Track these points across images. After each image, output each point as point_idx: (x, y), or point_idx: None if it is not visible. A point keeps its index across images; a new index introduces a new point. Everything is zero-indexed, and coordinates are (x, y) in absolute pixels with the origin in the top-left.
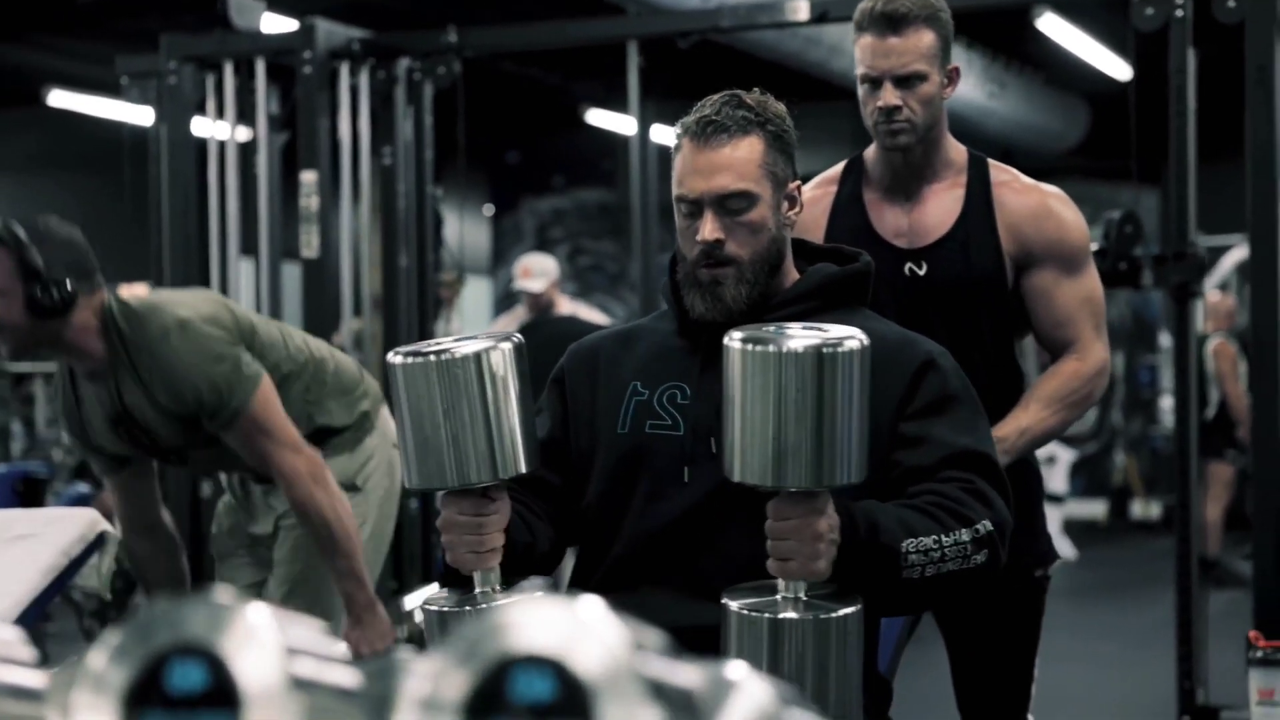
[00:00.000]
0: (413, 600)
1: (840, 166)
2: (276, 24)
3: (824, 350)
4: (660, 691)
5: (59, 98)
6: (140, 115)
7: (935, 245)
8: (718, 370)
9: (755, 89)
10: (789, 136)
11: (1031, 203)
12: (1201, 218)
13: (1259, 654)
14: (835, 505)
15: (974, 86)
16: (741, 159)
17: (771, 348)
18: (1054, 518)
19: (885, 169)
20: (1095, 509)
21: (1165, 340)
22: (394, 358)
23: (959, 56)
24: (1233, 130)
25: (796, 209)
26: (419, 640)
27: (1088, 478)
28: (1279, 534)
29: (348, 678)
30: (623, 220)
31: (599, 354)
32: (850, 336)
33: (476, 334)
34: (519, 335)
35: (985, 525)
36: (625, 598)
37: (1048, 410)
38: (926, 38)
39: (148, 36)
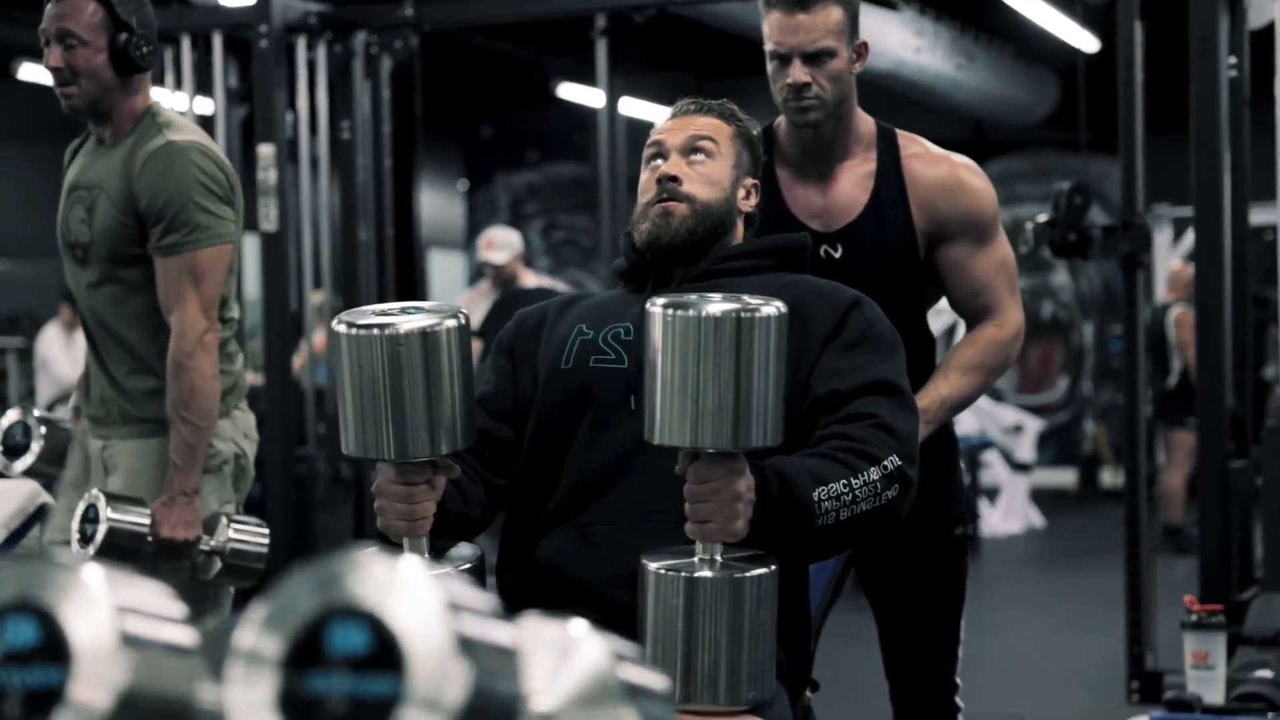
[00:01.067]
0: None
1: None
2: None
3: (742, 315)
4: (473, 646)
5: (29, 71)
6: None
7: (850, 227)
8: (663, 279)
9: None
10: (758, 146)
11: (942, 175)
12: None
13: (1193, 618)
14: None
15: (942, 59)
16: (713, 124)
17: (692, 312)
18: (1021, 486)
19: (796, 144)
20: (1065, 477)
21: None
22: (339, 325)
23: (928, 28)
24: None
25: (752, 201)
26: (227, 559)
27: (1057, 447)
28: (1224, 500)
29: (184, 636)
30: (595, 194)
31: (547, 311)
32: (768, 303)
33: (423, 304)
34: (465, 312)
35: (893, 460)
36: (570, 532)
37: (967, 378)
38: (835, 14)
39: None
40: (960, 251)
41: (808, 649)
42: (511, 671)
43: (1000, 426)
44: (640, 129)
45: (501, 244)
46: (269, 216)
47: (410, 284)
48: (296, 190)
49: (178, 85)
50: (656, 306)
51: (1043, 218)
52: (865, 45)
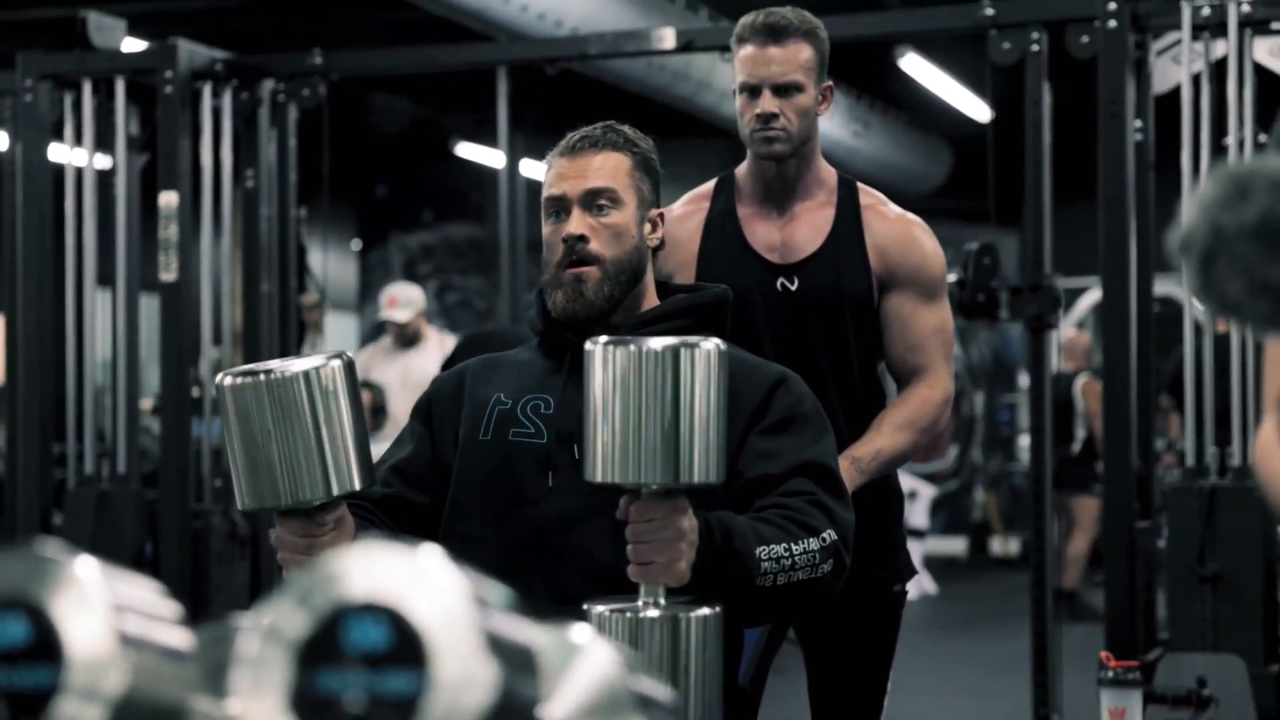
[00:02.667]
0: None
1: (711, 184)
2: (136, 45)
3: (681, 349)
4: (499, 645)
5: None
6: None
7: (807, 260)
8: (580, 382)
9: (627, 124)
10: (655, 165)
11: (897, 228)
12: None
13: (1110, 674)
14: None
15: (839, 125)
16: (610, 166)
17: (632, 347)
18: (915, 552)
19: (758, 183)
20: (956, 545)
21: (1024, 380)
22: (223, 379)
23: None
24: (1091, 173)
25: (658, 234)
26: None
27: (948, 514)
28: (1129, 559)
29: (180, 639)
30: (491, 255)
31: (465, 374)
32: (707, 339)
33: (305, 357)
34: (349, 354)
35: (830, 535)
36: None
37: (900, 434)
38: (805, 51)
39: (4, 60)
40: (902, 303)
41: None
42: (534, 674)
43: None
44: (536, 189)
45: (404, 301)
46: (169, 267)
47: (300, 329)
48: (197, 241)
49: (78, 137)
50: (597, 345)
51: (952, 279)
52: (831, 89)
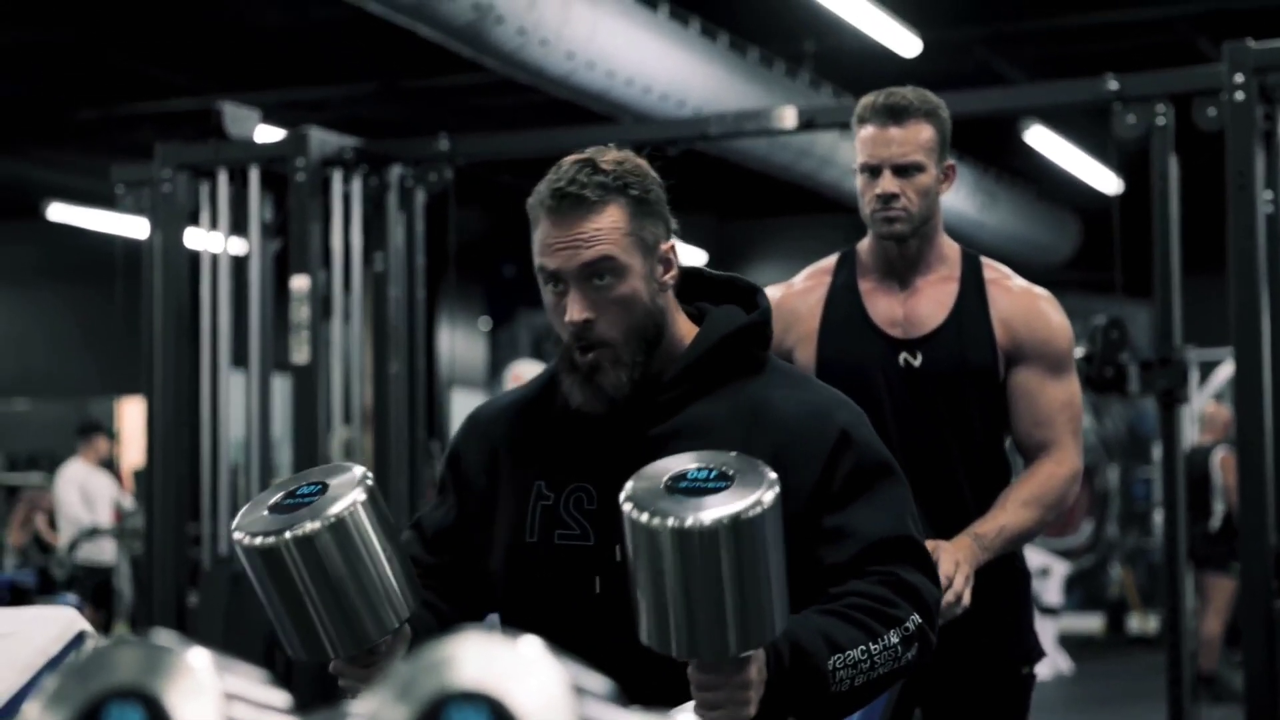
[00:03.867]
0: None
1: (834, 258)
2: (270, 134)
3: (735, 520)
4: None
5: (58, 211)
6: (135, 227)
7: (930, 335)
8: (622, 466)
9: (611, 145)
10: (654, 195)
11: (1022, 301)
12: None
13: None
14: None
15: (965, 198)
16: (605, 228)
17: (672, 522)
18: (1049, 630)
19: (880, 260)
20: (1092, 623)
21: (1159, 453)
22: (241, 537)
23: None
24: (1221, 243)
25: (673, 272)
26: None
27: (1084, 591)
28: (1270, 641)
29: None
30: None
31: (495, 437)
32: (760, 483)
33: (311, 474)
34: (362, 470)
35: (914, 620)
36: None
37: (1025, 510)
38: (926, 131)
39: (144, 150)
40: (1030, 377)
41: None
42: None
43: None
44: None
45: (530, 377)
46: (301, 349)
47: (431, 421)
48: (328, 323)
49: (213, 222)
50: (633, 511)
51: (1080, 353)
52: (953, 168)
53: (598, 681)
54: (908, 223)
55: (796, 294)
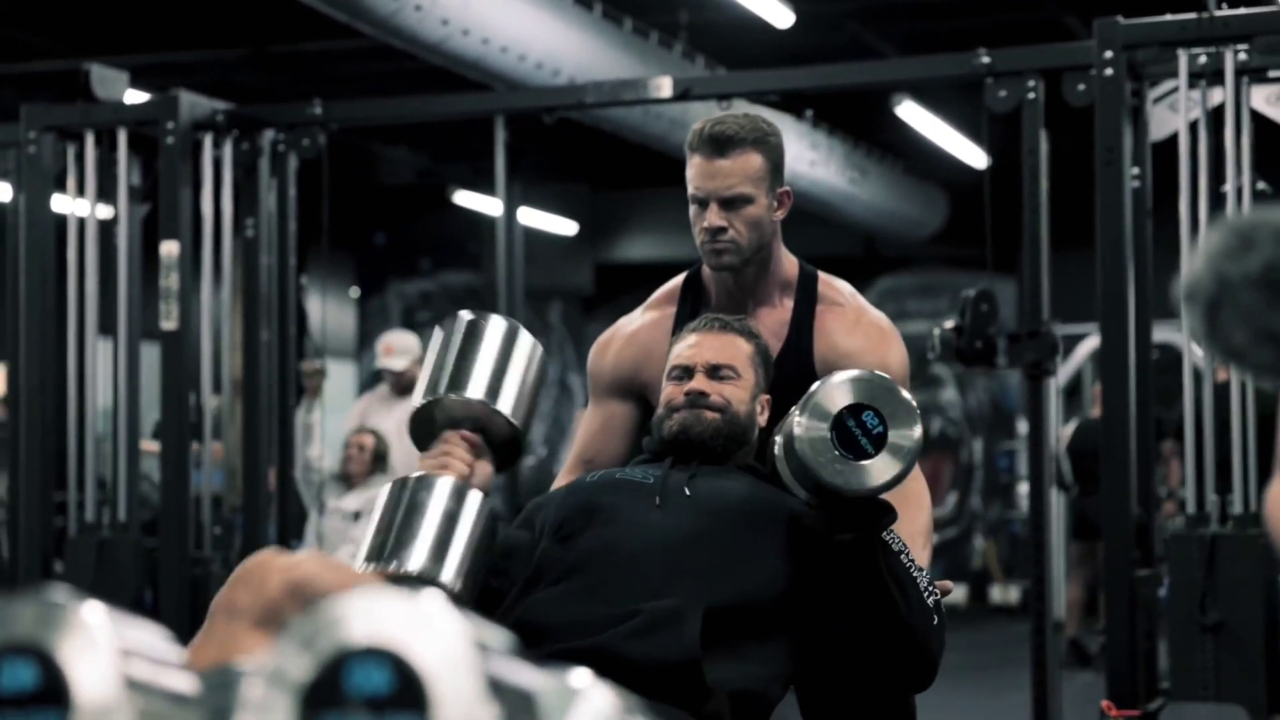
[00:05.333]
0: None
1: (679, 281)
2: (139, 98)
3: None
4: (499, 689)
5: None
6: (0, 191)
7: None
8: (685, 462)
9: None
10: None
11: (852, 338)
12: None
13: None
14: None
15: (836, 173)
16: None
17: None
18: None
19: (720, 288)
20: (955, 594)
21: (1022, 427)
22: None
23: (822, 141)
24: (1089, 219)
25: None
26: None
27: (948, 562)
28: (1130, 607)
29: (186, 683)
30: (489, 303)
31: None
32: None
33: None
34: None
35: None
36: (578, 587)
37: (925, 551)
38: (754, 160)
39: (7, 113)
40: None
41: None
42: (534, 717)
43: None
44: (534, 237)
45: (400, 349)
46: (170, 315)
47: (299, 391)
48: (198, 290)
49: (80, 188)
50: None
51: (949, 325)
52: (788, 193)
53: (498, 635)
54: (736, 254)
55: (646, 327)
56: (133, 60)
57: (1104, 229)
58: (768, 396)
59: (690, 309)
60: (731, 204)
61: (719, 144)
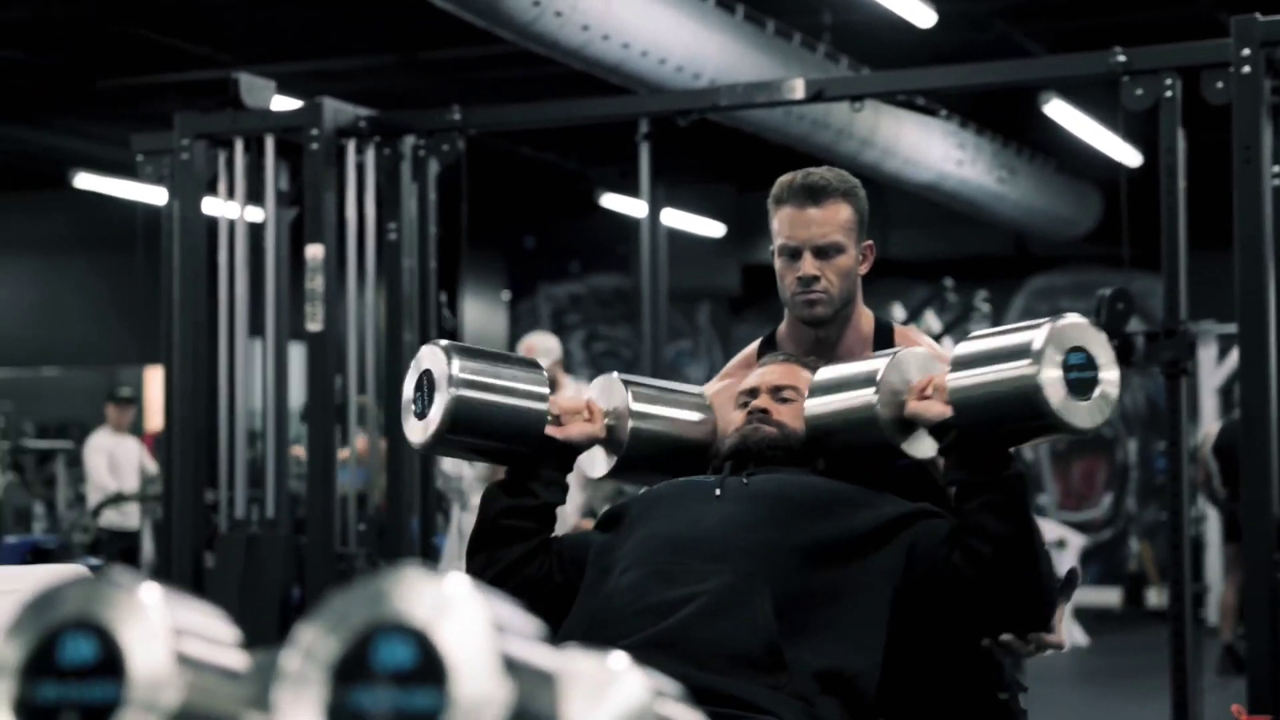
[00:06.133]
0: None
1: (754, 346)
2: (286, 104)
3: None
4: (517, 668)
5: (84, 180)
6: (156, 196)
7: None
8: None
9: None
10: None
11: None
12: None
13: None
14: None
15: (984, 172)
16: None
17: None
18: (1064, 603)
19: (798, 345)
20: (1110, 596)
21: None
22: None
23: (969, 141)
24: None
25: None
26: None
27: (1102, 565)
28: (1272, 610)
29: (235, 660)
30: (635, 305)
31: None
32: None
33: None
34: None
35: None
36: (649, 570)
37: None
38: (844, 210)
39: (167, 120)
40: None
41: None
42: (552, 696)
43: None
44: (680, 239)
45: (541, 350)
46: (315, 316)
47: None
48: (343, 291)
49: (230, 192)
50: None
51: None
52: (871, 247)
53: (522, 618)
54: (829, 305)
55: (724, 391)
56: (285, 68)
57: (1242, 227)
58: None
59: None
60: (824, 253)
61: (812, 194)
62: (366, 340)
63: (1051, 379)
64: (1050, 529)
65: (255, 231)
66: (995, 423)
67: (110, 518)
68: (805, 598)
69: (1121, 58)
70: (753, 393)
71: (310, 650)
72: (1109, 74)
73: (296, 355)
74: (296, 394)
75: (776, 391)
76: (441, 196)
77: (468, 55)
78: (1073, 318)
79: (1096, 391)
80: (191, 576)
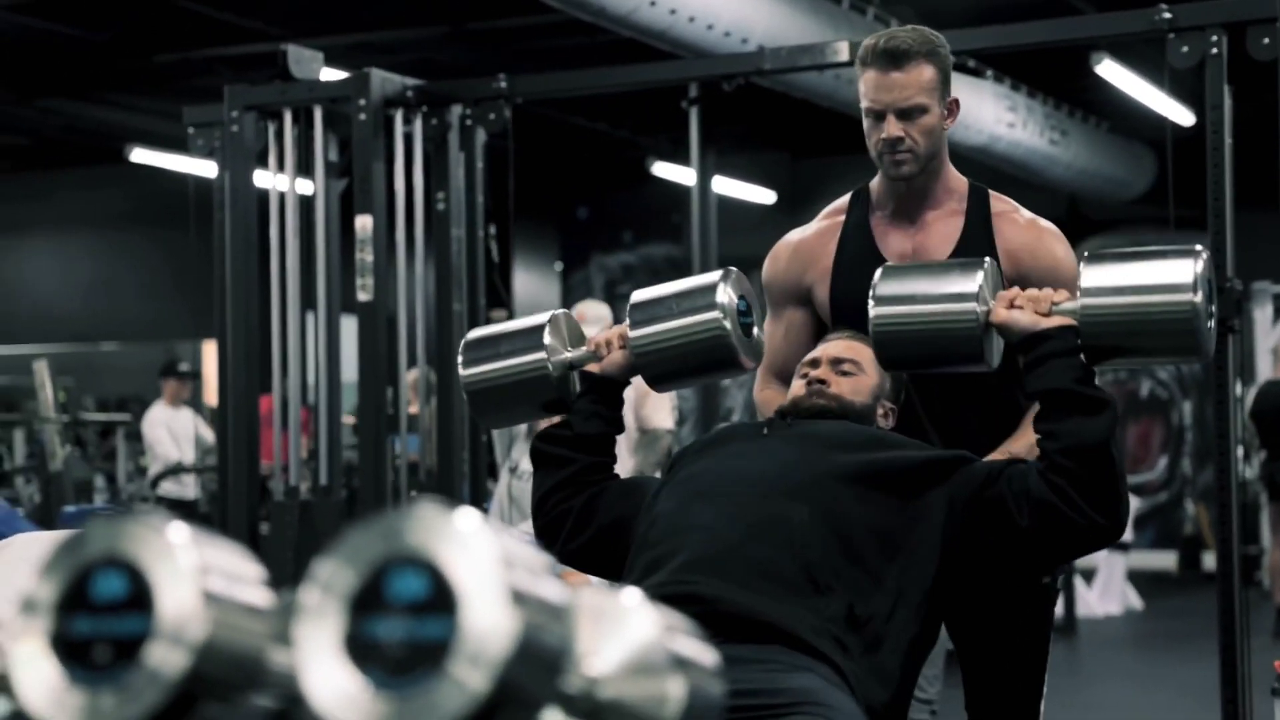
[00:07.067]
0: None
1: (847, 197)
2: (334, 75)
3: None
4: (525, 600)
5: (140, 154)
6: (208, 169)
7: None
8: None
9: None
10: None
11: (1029, 234)
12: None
13: None
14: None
15: (1035, 134)
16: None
17: None
18: (1119, 566)
19: (890, 196)
20: (1166, 560)
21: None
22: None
23: (1020, 103)
24: None
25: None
26: None
27: (1158, 528)
28: None
29: (260, 596)
30: (687, 272)
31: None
32: None
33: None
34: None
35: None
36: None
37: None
38: (927, 72)
39: (219, 94)
40: None
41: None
42: (561, 628)
43: None
44: (732, 206)
45: (593, 318)
46: (366, 288)
47: None
48: (393, 262)
49: (280, 164)
50: None
51: None
52: (956, 102)
53: (536, 558)
54: (915, 163)
55: (814, 235)
56: (335, 41)
57: None
58: (893, 405)
59: (857, 218)
60: (908, 114)
61: (894, 57)
62: (416, 310)
63: (1200, 308)
64: None
65: (305, 203)
66: (1130, 346)
67: (168, 488)
68: (847, 526)
69: (1167, 14)
70: (814, 363)
71: (328, 583)
72: (1154, 31)
73: (348, 327)
74: (349, 366)
75: (837, 364)
76: (492, 167)
77: (516, 25)
78: (1205, 253)
79: (1212, 321)
80: (247, 544)
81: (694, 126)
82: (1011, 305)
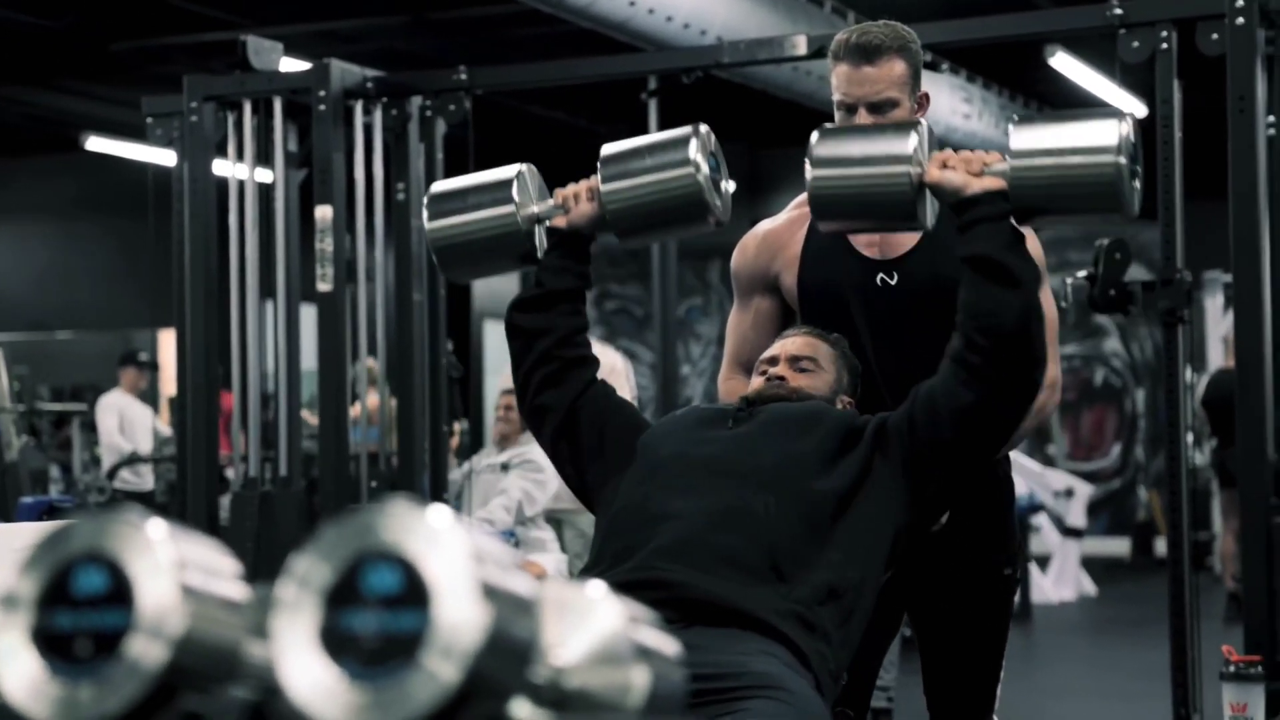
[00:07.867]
0: None
1: None
2: (294, 66)
3: None
4: (495, 593)
5: (96, 143)
6: (166, 158)
7: (905, 255)
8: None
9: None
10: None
11: None
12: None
13: (1231, 669)
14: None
15: (990, 125)
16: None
17: None
18: (1073, 552)
19: None
20: (1119, 546)
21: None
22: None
23: (975, 94)
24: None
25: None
26: None
27: (1111, 515)
28: (1267, 554)
29: (237, 591)
30: (645, 263)
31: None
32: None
33: None
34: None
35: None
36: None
37: None
38: (898, 67)
39: (176, 82)
40: None
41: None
42: (529, 621)
43: (1050, 490)
44: None
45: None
46: (325, 278)
47: (465, 352)
48: (353, 253)
49: (239, 153)
50: None
51: (1083, 274)
52: (926, 96)
53: (505, 553)
54: None
55: (783, 224)
56: (295, 30)
57: (1236, 177)
58: (850, 399)
59: None
60: (879, 108)
61: (866, 52)
62: (376, 300)
63: (1124, 168)
64: (1058, 477)
65: (265, 193)
66: (1055, 206)
67: (125, 478)
68: (814, 509)
69: (1118, 10)
70: (773, 361)
71: (304, 578)
72: (1106, 26)
73: (307, 316)
74: (308, 355)
75: (795, 361)
76: (452, 157)
77: (476, 15)
78: (1130, 115)
79: (1137, 181)
80: (206, 535)
81: (653, 118)
82: (944, 166)
